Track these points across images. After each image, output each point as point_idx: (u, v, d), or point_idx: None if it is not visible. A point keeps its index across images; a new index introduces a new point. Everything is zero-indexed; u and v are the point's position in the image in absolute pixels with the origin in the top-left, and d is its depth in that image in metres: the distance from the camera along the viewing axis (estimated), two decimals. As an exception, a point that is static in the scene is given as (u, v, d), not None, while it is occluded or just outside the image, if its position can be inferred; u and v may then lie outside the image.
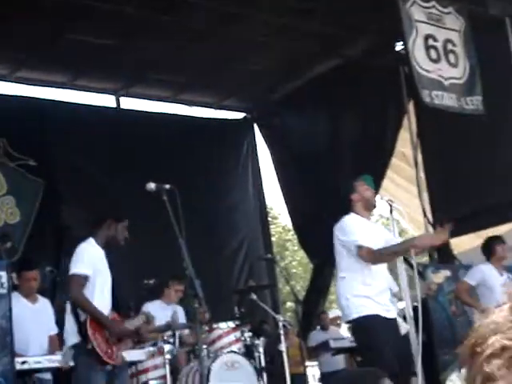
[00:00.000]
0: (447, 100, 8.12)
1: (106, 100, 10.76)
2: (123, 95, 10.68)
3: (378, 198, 5.59)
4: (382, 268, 5.52)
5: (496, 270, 7.09)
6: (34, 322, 6.43)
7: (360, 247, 5.34)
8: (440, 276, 7.03)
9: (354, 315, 5.40)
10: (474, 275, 7.12)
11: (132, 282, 7.62)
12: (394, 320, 5.28)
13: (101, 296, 5.48)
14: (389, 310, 5.39)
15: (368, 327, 5.32)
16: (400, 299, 5.83)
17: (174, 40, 9.12)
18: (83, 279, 5.39)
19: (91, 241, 5.58)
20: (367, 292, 5.39)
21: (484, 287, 7.01)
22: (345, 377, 5.72)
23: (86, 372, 5.32)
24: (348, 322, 5.63)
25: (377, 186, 6.88)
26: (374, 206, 5.62)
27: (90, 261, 5.46)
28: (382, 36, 9.44)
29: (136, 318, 5.80)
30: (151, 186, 5.04)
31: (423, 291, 6.17)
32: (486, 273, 7.05)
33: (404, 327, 5.42)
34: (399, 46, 9.57)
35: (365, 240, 5.35)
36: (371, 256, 5.35)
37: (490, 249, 7.18)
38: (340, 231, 5.51)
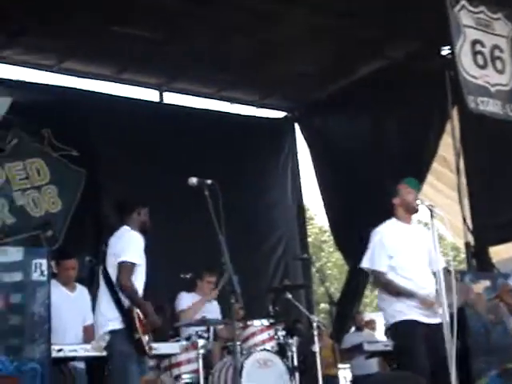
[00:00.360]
0: (492, 106, 8.03)
1: (150, 94, 10.83)
2: (166, 90, 10.74)
3: (418, 202, 5.54)
4: (427, 273, 5.47)
5: None
6: (71, 310, 6.48)
7: (374, 272, 5.51)
8: (479, 286, 6.95)
9: (391, 320, 5.39)
10: None
11: (168, 275, 7.68)
12: (435, 325, 5.22)
13: (141, 284, 5.55)
14: (429, 316, 5.34)
15: (403, 333, 5.31)
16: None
17: (219, 36, 9.15)
18: (133, 267, 5.45)
19: (129, 229, 5.64)
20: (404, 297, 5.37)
21: None
22: (379, 380, 5.71)
23: (124, 361, 5.34)
24: (387, 327, 5.62)
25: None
26: (416, 210, 5.58)
27: (139, 249, 5.53)
28: (428, 39, 9.37)
29: None
30: (193, 180, 5.06)
31: (463, 297, 6.12)
32: None
33: None
34: (445, 51, 9.49)
35: (383, 263, 5.43)
36: (378, 283, 5.56)
37: None
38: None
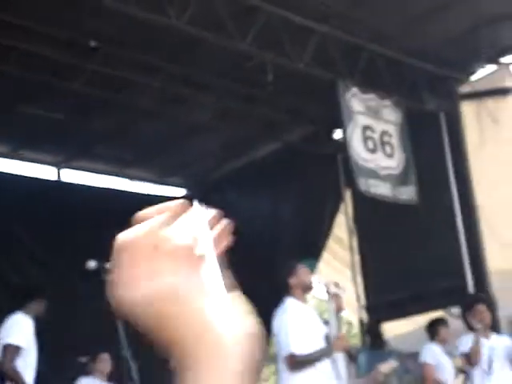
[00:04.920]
0: (382, 189, 8.41)
1: (48, 172, 10.74)
2: (64, 168, 10.69)
3: (315, 280, 5.69)
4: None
5: (442, 350, 7.17)
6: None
7: (292, 355, 5.25)
8: (387, 367, 6.91)
9: None
10: (430, 355, 7.15)
11: (67, 358, 7.52)
12: None
13: (30, 370, 5.43)
14: None
15: None
16: None
17: (121, 117, 9.26)
18: (17, 351, 5.34)
19: (22, 314, 5.55)
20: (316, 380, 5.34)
21: (437, 367, 7.07)
22: None
23: None
24: None
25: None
26: (311, 289, 5.67)
27: (25, 333, 5.43)
28: (321, 123, 9.78)
29: None
30: (92, 264, 5.01)
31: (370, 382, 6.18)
32: (437, 352, 7.13)
33: None
34: (337, 134, 9.89)
35: (298, 345, 5.29)
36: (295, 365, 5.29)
37: (434, 330, 7.31)
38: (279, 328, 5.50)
